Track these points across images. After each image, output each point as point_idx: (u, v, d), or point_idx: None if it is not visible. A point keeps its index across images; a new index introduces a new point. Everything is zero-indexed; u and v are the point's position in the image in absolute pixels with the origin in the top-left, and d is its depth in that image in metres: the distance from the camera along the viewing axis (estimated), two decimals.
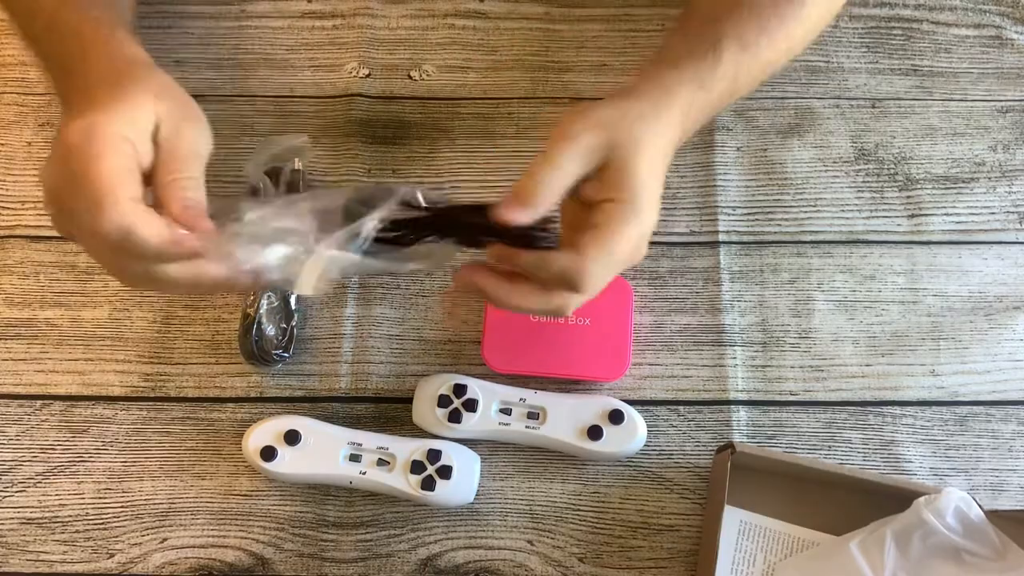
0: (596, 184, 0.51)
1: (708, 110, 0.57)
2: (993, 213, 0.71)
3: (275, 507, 0.63)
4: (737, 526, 0.62)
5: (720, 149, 0.72)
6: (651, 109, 0.54)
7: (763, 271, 0.69)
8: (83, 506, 0.63)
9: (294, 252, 0.49)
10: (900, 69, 0.75)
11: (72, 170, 0.47)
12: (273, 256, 0.49)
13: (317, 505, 0.64)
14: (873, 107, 0.74)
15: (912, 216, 0.71)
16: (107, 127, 0.47)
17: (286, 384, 0.66)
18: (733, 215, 0.71)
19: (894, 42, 0.76)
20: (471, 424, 0.63)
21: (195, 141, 0.51)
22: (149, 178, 0.49)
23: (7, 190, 0.70)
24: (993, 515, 0.58)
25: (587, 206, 0.51)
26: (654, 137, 0.53)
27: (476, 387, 0.63)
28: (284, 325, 0.65)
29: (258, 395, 0.66)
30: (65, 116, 0.51)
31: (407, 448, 0.62)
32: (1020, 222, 0.71)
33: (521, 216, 0.49)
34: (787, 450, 0.65)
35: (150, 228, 0.47)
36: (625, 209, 0.51)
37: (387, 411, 0.66)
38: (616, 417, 0.63)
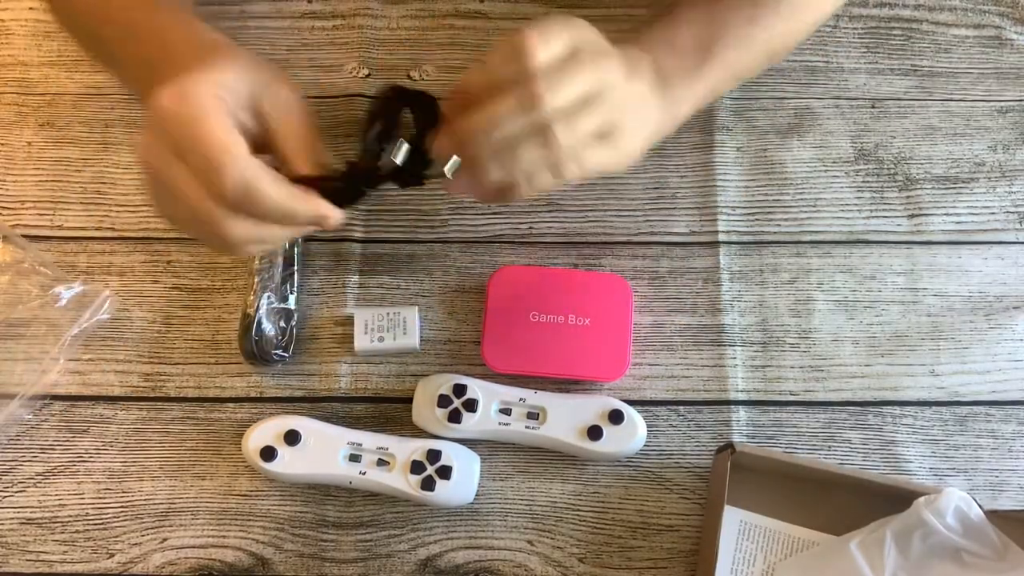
0: None
1: (677, 46, 0.54)
2: (993, 213, 0.71)
3: (275, 507, 0.63)
4: (737, 526, 0.62)
5: (720, 149, 0.72)
6: (628, 47, 0.52)
7: (763, 271, 0.69)
8: (83, 506, 0.63)
9: None
10: (900, 69, 0.75)
11: (175, 136, 0.45)
12: None
13: (317, 505, 0.64)
14: (873, 107, 0.74)
15: (912, 216, 0.71)
16: (199, 86, 0.46)
17: (286, 384, 0.66)
18: (733, 215, 0.71)
19: (894, 42, 0.76)
20: (471, 424, 0.63)
21: (301, 104, 0.50)
22: (258, 147, 0.48)
23: (7, 190, 0.70)
24: (993, 515, 0.58)
25: None
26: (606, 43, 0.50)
27: (476, 387, 0.63)
28: (284, 325, 0.65)
29: (258, 395, 0.66)
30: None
31: (407, 448, 0.62)
32: (1020, 222, 0.71)
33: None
34: (787, 450, 0.65)
35: (274, 186, 0.46)
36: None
37: (387, 411, 0.66)
38: (616, 417, 0.63)
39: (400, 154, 0.50)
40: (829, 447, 0.66)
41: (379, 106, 0.52)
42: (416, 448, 0.62)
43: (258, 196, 0.46)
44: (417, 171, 0.52)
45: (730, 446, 0.60)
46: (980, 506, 0.57)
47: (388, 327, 0.66)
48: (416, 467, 0.61)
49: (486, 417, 0.63)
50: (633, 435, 0.63)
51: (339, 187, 0.50)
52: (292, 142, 0.49)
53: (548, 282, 0.66)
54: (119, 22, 0.56)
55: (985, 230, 0.71)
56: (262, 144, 0.50)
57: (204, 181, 0.46)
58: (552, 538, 0.63)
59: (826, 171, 0.72)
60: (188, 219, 0.48)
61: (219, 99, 0.47)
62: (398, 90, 0.52)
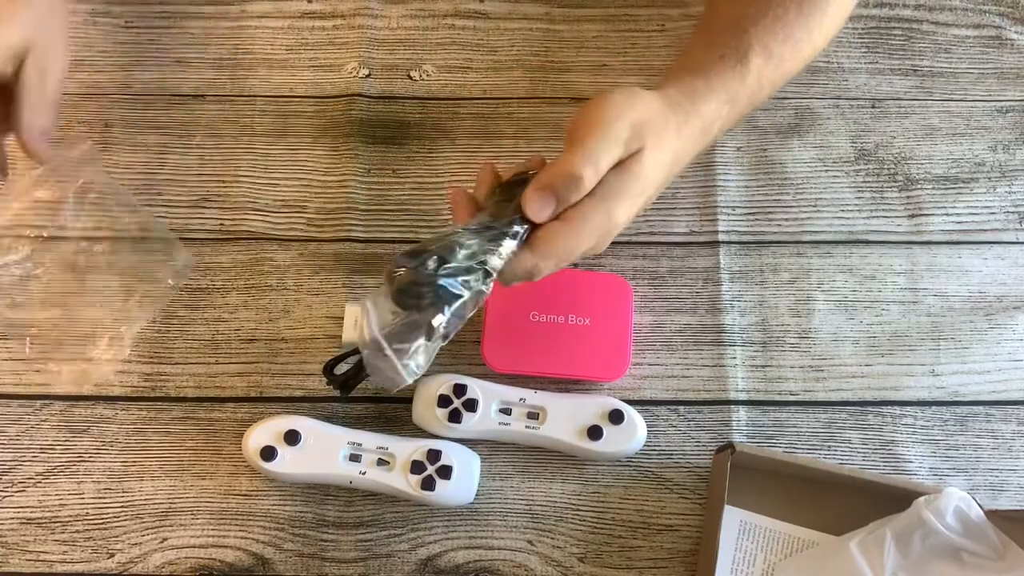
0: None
1: (732, 122, 0.58)
2: (993, 213, 0.71)
3: (275, 507, 0.63)
4: (737, 526, 0.62)
5: (720, 149, 0.72)
6: (679, 117, 0.54)
7: (763, 271, 0.69)
8: (83, 506, 0.63)
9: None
10: (900, 69, 0.75)
11: None
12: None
13: (317, 505, 0.64)
14: (873, 107, 0.74)
15: (912, 216, 0.71)
16: None
17: (286, 384, 0.66)
18: (733, 215, 0.71)
19: (894, 42, 0.76)
20: (471, 424, 0.63)
21: (58, 84, 0.58)
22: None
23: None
24: (993, 515, 0.58)
25: None
26: (670, 144, 0.53)
27: (476, 387, 0.63)
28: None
29: (258, 395, 0.66)
30: None
31: (407, 448, 0.62)
32: (1020, 222, 0.71)
33: (545, 212, 0.50)
34: (787, 450, 0.65)
35: None
36: (599, 208, 0.51)
37: (387, 411, 0.66)
38: (616, 417, 0.63)
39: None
40: (829, 447, 0.66)
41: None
42: (416, 448, 0.62)
43: None
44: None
45: (730, 446, 0.60)
46: (980, 506, 0.57)
47: None
48: (416, 467, 0.61)
49: (486, 417, 0.63)
50: (633, 435, 0.63)
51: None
52: (24, 115, 0.56)
53: (548, 282, 0.65)
54: None
55: (985, 230, 0.71)
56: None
57: None
58: (552, 538, 0.63)
59: (826, 171, 0.72)
60: None
61: None
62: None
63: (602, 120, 0.50)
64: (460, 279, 0.49)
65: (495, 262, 0.50)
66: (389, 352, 0.48)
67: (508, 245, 0.51)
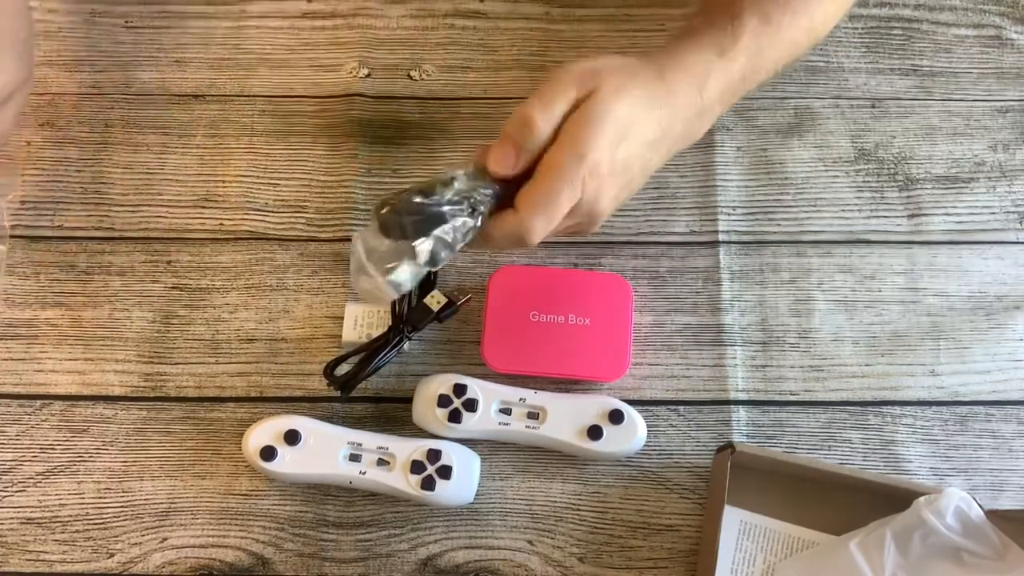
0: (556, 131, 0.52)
1: (732, 83, 0.57)
2: (993, 213, 0.71)
3: (275, 507, 0.63)
4: (737, 526, 0.62)
5: (720, 149, 0.72)
6: (652, 68, 0.54)
7: (763, 271, 0.69)
8: (83, 506, 0.63)
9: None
10: (900, 69, 0.75)
11: None
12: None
13: (317, 505, 0.64)
14: (873, 107, 0.74)
15: (912, 216, 0.71)
16: None
17: (286, 384, 0.66)
18: (733, 215, 0.71)
19: (894, 42, 0.76)
20: (471, 424, 0.63)
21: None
22: None
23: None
24: (993, 515, 0.58)
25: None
26: (643, 87, 0.53)
27: (476, 387, 0.63)
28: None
29: (258, 395, 0.66)
30: None
31: (407, 448, 0.62)
32: (1020, 222, 0.71)
33: (506, 160, 0.51)
34: (787, 450, 0.65)
35: None
36: (567, 153, 0.51)
37: (387, 411, 0.66)
38: (616, 417, 0.63)
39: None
40: (829, 447, 0.66)
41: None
42: (416, 448, 0.62)
43: None
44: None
45: (730, 446, 0.60)
46: (980, 506, 0.57)
47: (378, 324, 0.66)
48: (416, 467, 0.61)
49: (486, 417, 0.63)
50: (633, 435, 0.63)
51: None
52: None
53: (548, 282, 0.66)
54: None
55: (985, 230, 0.71)
56: None
57: None
58: (552, 538, 0.63)
59: (826, 171, 0.72)
60: None
61: None
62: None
63: (557, 71, 0.52)
64: (445, 208, 0.51)
65: (479, 198, 0.52)
66: (372, 271, 0.51)
67: (485, 195, 0.53)
